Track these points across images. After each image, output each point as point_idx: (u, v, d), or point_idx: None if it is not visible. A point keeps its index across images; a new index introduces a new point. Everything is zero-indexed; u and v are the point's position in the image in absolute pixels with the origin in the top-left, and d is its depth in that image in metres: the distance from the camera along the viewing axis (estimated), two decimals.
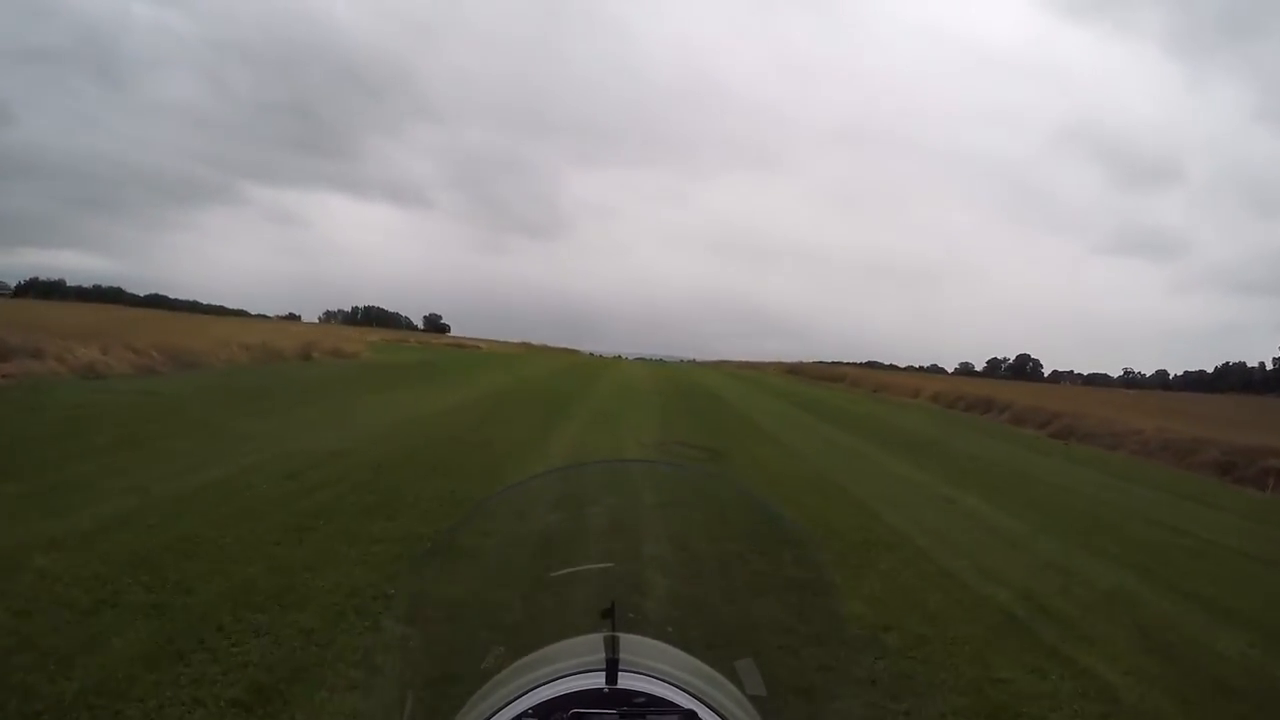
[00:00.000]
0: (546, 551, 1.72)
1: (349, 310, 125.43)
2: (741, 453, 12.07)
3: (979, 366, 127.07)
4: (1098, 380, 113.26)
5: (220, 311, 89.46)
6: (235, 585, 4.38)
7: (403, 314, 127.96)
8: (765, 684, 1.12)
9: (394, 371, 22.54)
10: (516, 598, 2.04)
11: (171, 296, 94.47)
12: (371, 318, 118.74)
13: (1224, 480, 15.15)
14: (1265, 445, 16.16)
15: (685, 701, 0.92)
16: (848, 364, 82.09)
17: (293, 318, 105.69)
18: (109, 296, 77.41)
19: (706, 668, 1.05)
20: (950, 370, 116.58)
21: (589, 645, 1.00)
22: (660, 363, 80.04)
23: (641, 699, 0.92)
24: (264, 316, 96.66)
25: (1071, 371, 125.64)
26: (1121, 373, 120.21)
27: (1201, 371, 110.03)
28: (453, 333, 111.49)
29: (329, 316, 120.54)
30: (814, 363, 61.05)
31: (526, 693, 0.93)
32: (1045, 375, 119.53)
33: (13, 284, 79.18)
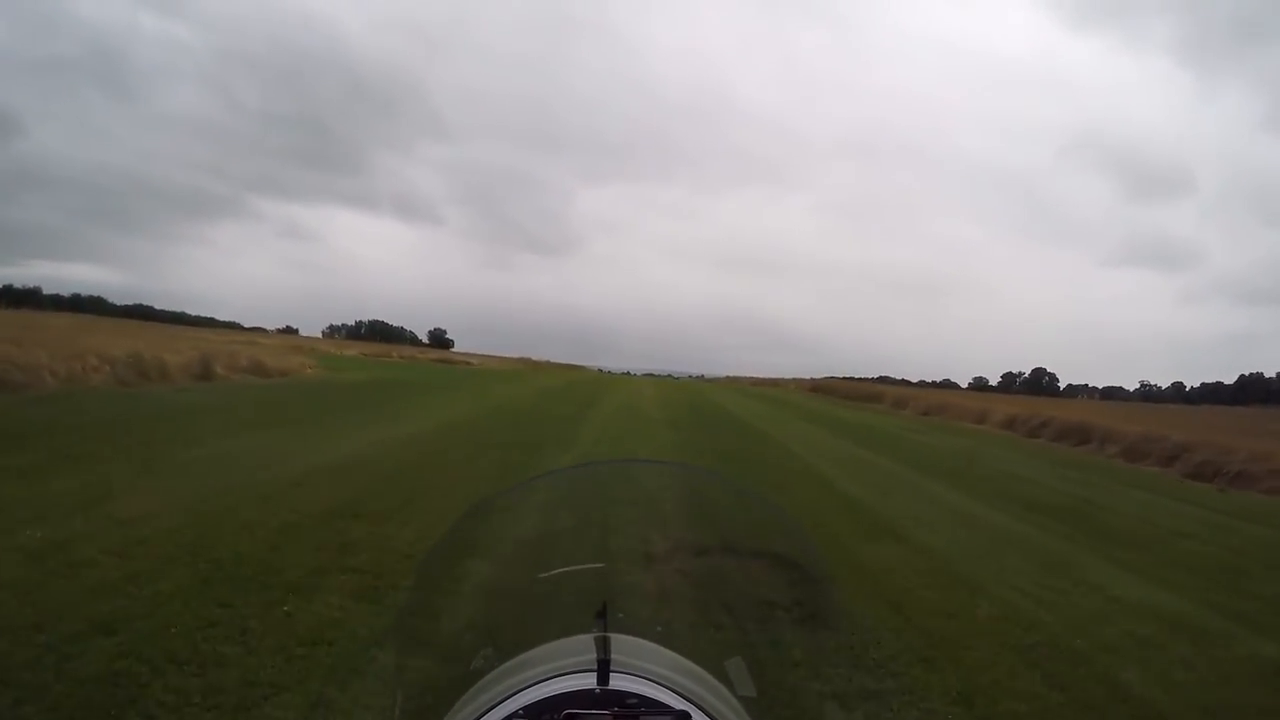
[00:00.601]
0: (538, 553, 1.50)
1: (352, 325, 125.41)
2: (832, 546, 6.29)
3: (993, 381, 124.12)
4: (1114, 394, 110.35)
5: (209, 323, 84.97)
6: None
7: (407, 329, 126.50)
8: (755, 685, 1.10)
9: (321, 398, 16.48)
10: (506, 599, 1.63)
11: (158, 307, 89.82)
12: (375, 332, 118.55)
13: None
14: None
15: (677, 703, 0.89)
16: (871, 380, 76.12)
17: (290, 331, 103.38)
18: (87, 306, 72.28)
19: (698, 669, 1.04)
20: (964, 385, 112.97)
21: (580, 646, 0.99)
22: (670, 379, 74.69)
23: (634, 700, 0.89)
24: (261, 329, 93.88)
25: (1087, 385, 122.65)
26: (1138, 385, 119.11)
27: (1219, 383, 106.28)
28: (457, 348, 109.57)
29: (332, 331, 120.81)
30: (842, 379, 54.59)
31: (517, 693, 0.90)
32: (1061, 389, 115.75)
33: None
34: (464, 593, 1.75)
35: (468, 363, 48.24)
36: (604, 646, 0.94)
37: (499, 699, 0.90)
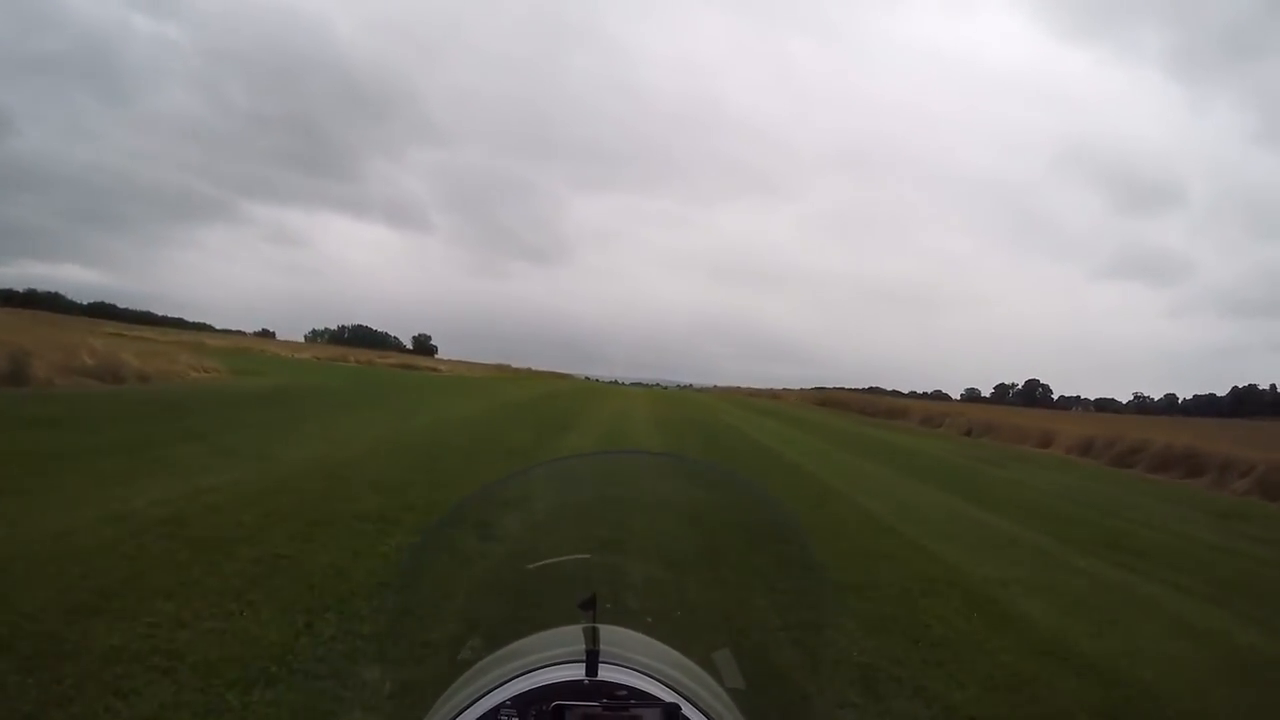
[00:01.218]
0: (529, 543, 1.45)
1: (335, 329, 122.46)
2: None
3: (986, 392, 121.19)
4: (1107, 405, 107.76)
5: (177, 324, 79.06)
6: None
7: (392, 334, 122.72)
8: (744, 677, 1.08)
9: (124, 418, 10.92)
10: (494, 589, 1.61)
11: (121, 306, 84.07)
12: (358, 338, 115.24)
13: None
14: None
15: (666, 695, 0.87)
16: (862, 390, 71.13)
17: (266, 334, 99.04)
18: (43, 303, 66.68)
19: (686, 660, 1.02)
20: (956, 397, 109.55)
21: (569, 637, 0.96)
22: (659, 389, 69.82)
23: (623, 691, 0.87)
24: (240, 332, 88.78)
25: (1079, 397, 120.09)
26: (1132, 397, 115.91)
27: (1212, 394, 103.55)
28: (442, 354, 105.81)
29: (315, 335, 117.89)
30: (847, 390, 49.23)
31: (505, 683, 0.88)
32: (1054, 401, 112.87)
33: None
34: (445, 586, 1.50)
35: (435, 369, 42.38)
36: (593, 637, 0.91)
37: (487, 689, 0.87)
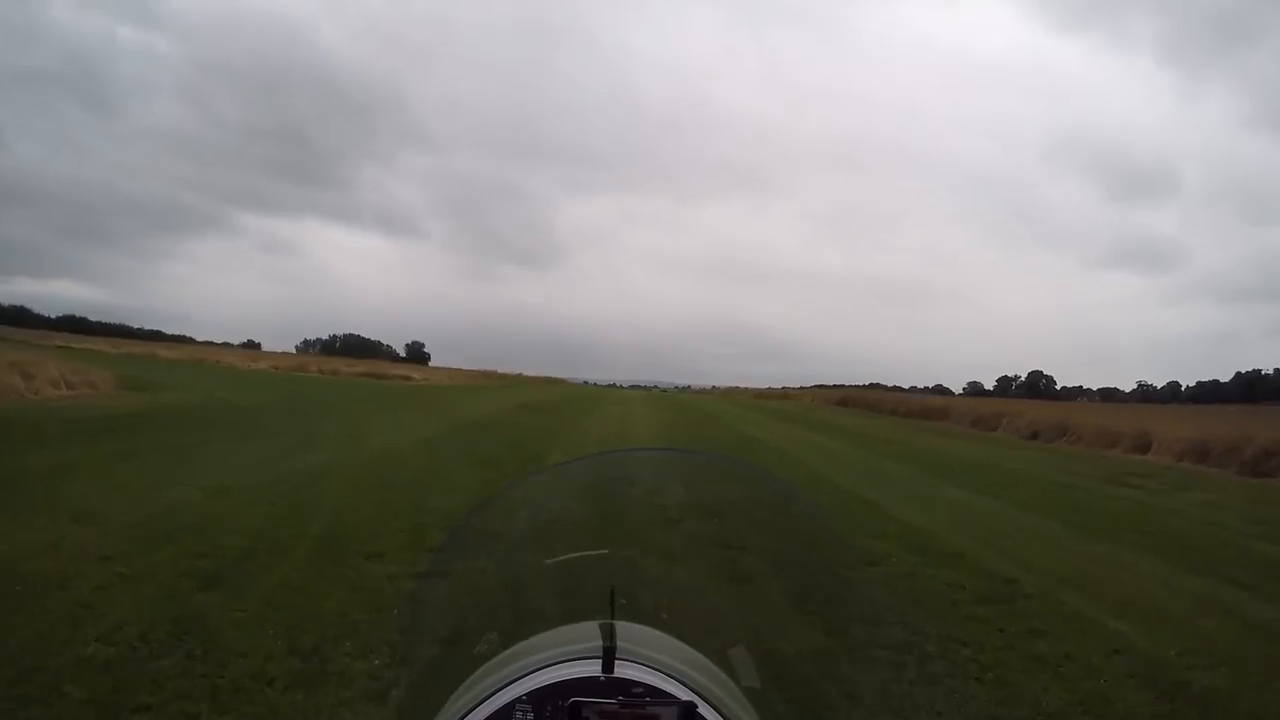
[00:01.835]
0: (548, 540, 1.37)
1: (326, 339, 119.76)
2: None
3: (988, 385, 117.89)
4: (1111, 395, 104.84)
5: (153, 336, 74.62)
6: None
7: (385, 342, 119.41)
8: (759, 675, 1.05)
9: None
10: (512, 584, 1.46)
11: (93, 319, 79.84)
12: (350, 347, 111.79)
13: None
14: None
15: (682, 693, 0.85)
16: (863, 387, 66.49)
17: (252, 345, 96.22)
18: (7, 317, 62.70)
19: (703, 658, 0.99)
20: (957, 391, 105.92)
21: (585, 632, 0.93)
22: (658, 391, 65.77)
23: (639, 688, 0.85)
24: (226, 344, 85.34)
25: (1080, 387, 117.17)
26: (1135, 386, 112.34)
27: (1215, 381, 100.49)
28: (434, 362, 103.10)
29: (306, 345, 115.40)
30: (867, 388, 44.54)
31: (522, 678, 0.86)
32: (1058, 392, 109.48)
33: None
34: (463, 581, 1.47)
35: (407, 378, 37.56)
36: (609, 633, 0.90)
37: (503, 683, 0.86)
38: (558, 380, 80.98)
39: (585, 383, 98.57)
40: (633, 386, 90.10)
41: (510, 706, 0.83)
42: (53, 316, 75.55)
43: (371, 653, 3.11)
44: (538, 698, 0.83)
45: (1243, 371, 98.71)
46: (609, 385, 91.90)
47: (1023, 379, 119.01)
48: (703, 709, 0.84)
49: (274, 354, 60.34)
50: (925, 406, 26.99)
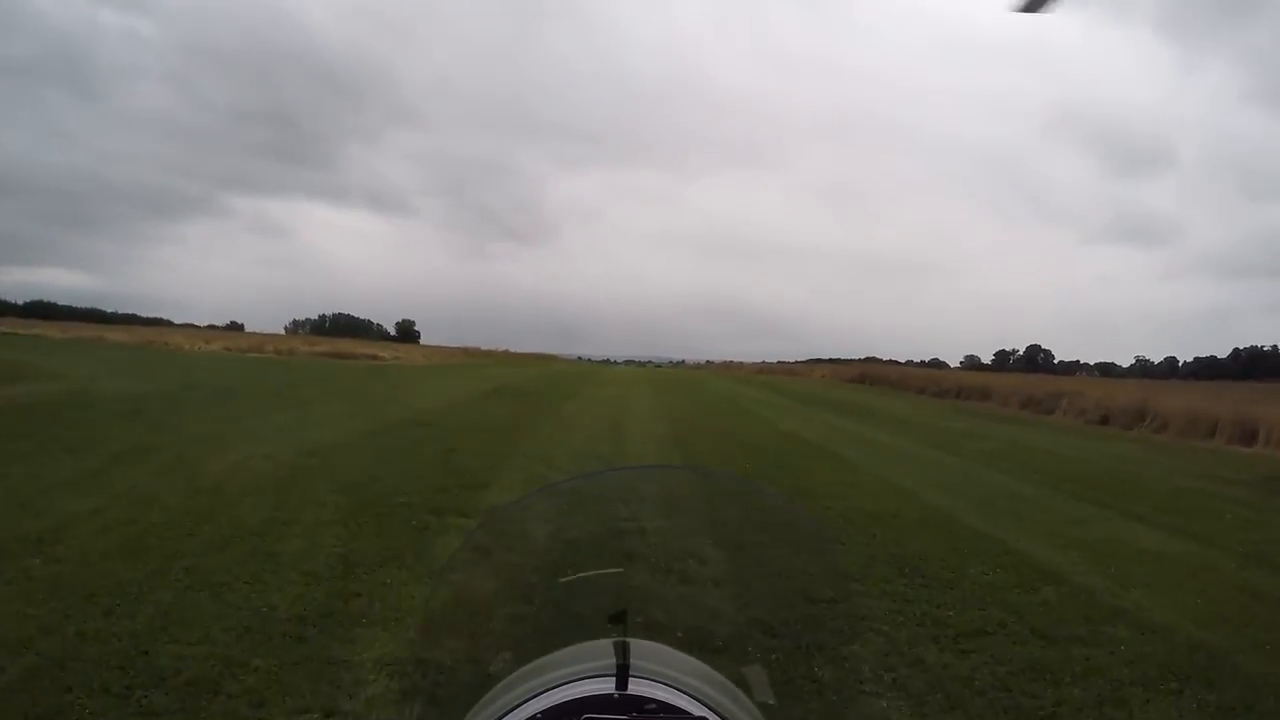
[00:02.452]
0: (559, 558, 1.30)
1: (316, 319, 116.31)
2: None
3: (986, 359, 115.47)
4: (1109, 370, 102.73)
5: (126, 320, 70.64)
6: None
7: (375, 321, 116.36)
8: (774, 692, 1.01)
9: None
10: (525, 602, 1.42)
11: (60, 303, 76.05)
12: (340, 326, 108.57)
13: None
14: None
15: (696, 709, 0.84)
16: (860, 360, 63.01)
17: (236, 327, 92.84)
18: None
19: (717, 674, 0.96)
20: (954, 365, 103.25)
21: (599, 650, 0.92)
22: (653, 366, 62.49)
23: (653, 705, 0.83)
24: (212, 326, 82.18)
25: (1078, 361, 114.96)
26: (1134, 361, 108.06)
27: (1213, 357, 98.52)
28: (425, 340, 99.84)
29: (296, 326, 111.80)
30: (884, 364, 40.81)
31: (535, 696, 0.84)
32: (1056, 366, 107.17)
33: None
34: (475, 599, 1.41)
35: (375, 357, 33.66)
36: (623, 651, 0.88)
37: (517, 702, 0.84)
38: (550, 356, 77.17)
39: (579, 358, 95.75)
40: (627, 362, 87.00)
41: None
42: (20, 303, 71.47)
43: None
44: (552, 715, 0.81)
45: (1241, 348, 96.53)
46: (603, 361, 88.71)
47: (1020, 353, 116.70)
48: None
49: (260, 334, 56.49)
50: (961, 384, 23.22)
